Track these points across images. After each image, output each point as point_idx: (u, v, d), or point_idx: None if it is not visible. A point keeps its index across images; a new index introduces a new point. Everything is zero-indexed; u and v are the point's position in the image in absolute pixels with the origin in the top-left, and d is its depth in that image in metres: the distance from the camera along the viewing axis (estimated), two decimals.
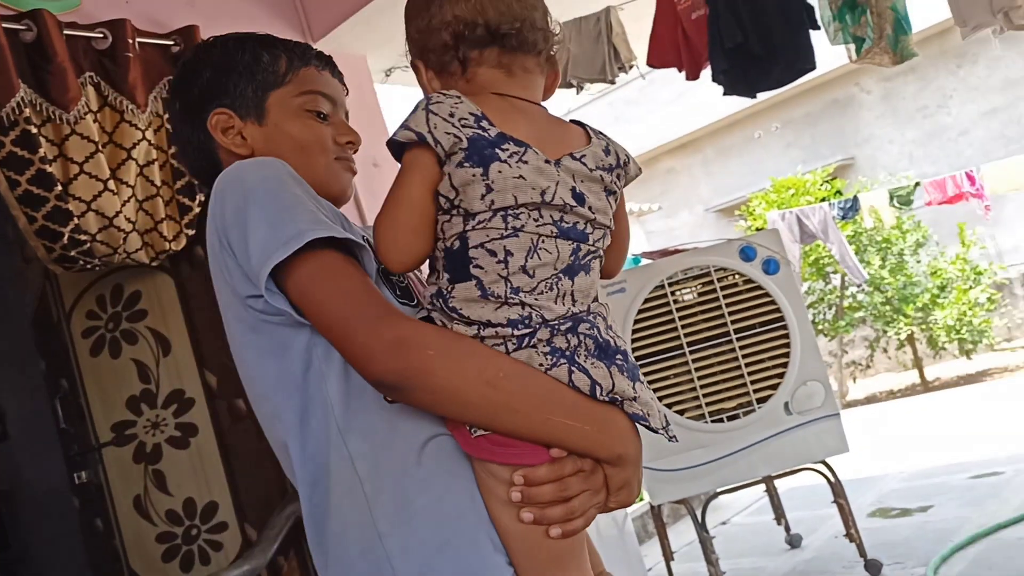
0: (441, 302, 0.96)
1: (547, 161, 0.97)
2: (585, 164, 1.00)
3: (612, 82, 4.20)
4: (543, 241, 0.95)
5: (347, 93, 1.27)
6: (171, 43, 2.76)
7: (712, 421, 3.57)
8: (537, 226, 0.95)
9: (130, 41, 2.57)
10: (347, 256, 0.98)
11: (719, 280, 3.69)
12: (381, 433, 0.98)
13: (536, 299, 0.94)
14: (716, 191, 12.63)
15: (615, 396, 0.95)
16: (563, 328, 0.94)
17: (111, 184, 2.46)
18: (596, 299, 1.02)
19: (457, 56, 1.02)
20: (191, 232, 2.72)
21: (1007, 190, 8.02)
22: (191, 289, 2.94)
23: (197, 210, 2.71)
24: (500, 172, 0.94)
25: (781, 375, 3.66)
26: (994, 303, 9.08)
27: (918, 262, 9.30)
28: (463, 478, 0.98)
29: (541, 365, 0.93)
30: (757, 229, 8.80)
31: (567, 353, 0.94)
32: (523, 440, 0.94)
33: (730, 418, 3.55)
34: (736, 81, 3.63)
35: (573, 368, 0.93)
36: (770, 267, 3.71)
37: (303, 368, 0.99)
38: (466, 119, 0.95)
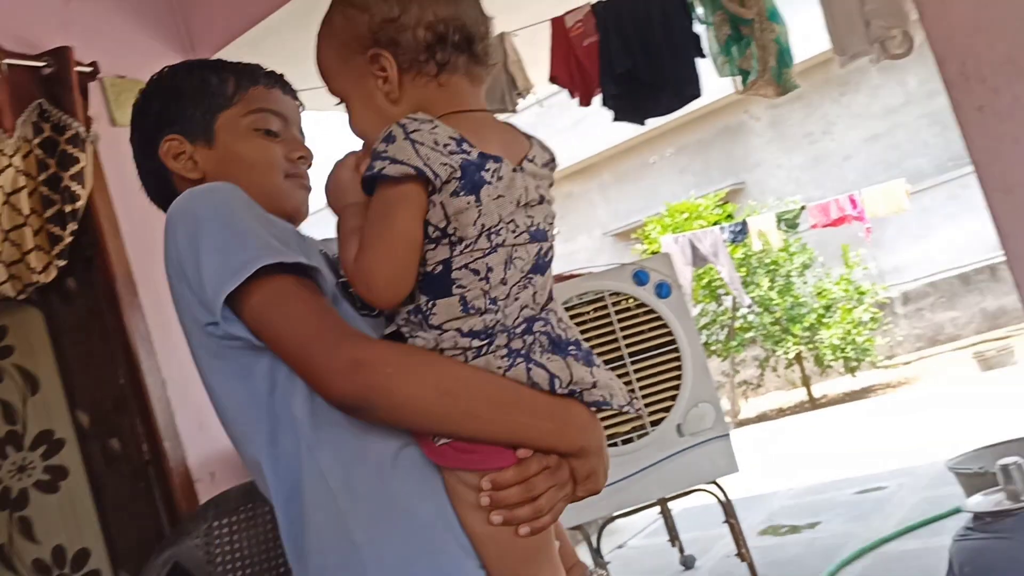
0: (420, 318, 0.97)
1: (514, 169, 0.98)
2: (536, 164, 1.02)
3: (513, 111, 4.21)
4: (517, 250, 0.97)
5: (302, 108, 1.28)
6: (43, 64, 2.65)
7: (608, 445, 3.56)
8: (515, 237, 0.97)
9: None
10: (301, 278, 1.00)
11: (613, 304, 3.71)
12: (351, 447, 0.99)
13: (507, 306, 0.97)
14: (613, 215, 12.87)
15: (574, 387, 0.97)
16: (519, 331, 0.97)
17: None
18: (551, 295, 1.04)
19: (435, 58, 1.00)
20: (62, 263, 2.60)
21: (887, 213, 8.42)
22: (62, 324, 2.82)
23: (68, 239, 2.58)
24: (488, 195, 0.94)
25: (674, 397, 3.69)
26: (876, 322, 9.49)
27: (805, 283, 9.65)
28: (433, 487, 1.00)
29: (499, 368, 0.95)
30: (653, 253, 8.97)
31: (523, 352, 0.96)
32: (487, 444, 0.96)
33: (624, 442, 3.55)
34: (626, 107, 3.69)
35: (531, 365, 0.96)
36: (662, 291, 3.74)
37: (268, 389, 1.01)
38: (449, 144, 0.93)
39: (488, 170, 0.94)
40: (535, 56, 4.02)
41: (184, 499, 2.68)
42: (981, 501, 2.66)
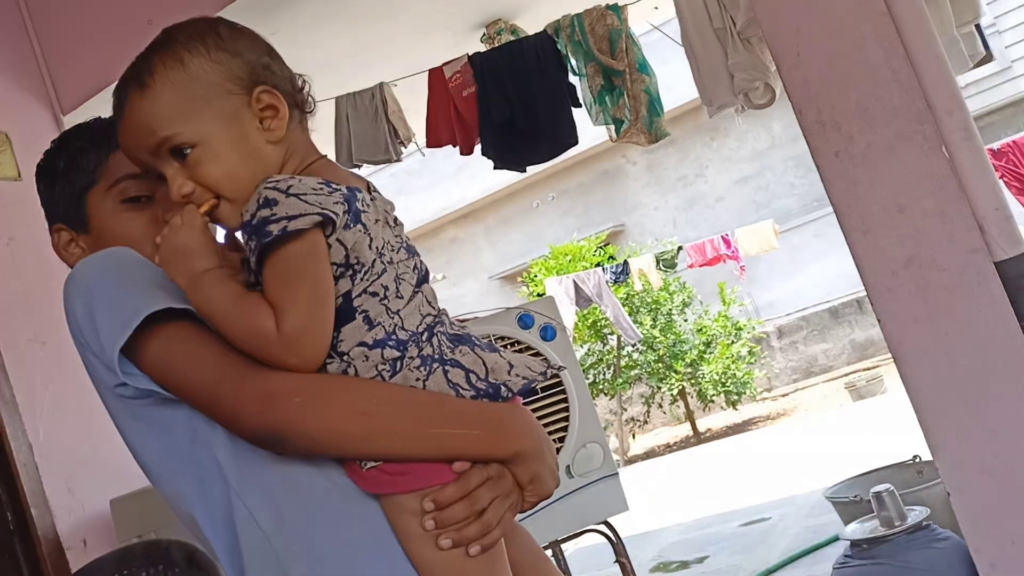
0: (331, 350, 0.93)
1: (371, 196, 0.99)
2: (379, 193, 1.04)
3: (397, 159, 4.22)
4: (400, 266, 0.98)
5: None
6: None
7: None
8: (396, 254, 0.98)
9: None
10: (194, 323, 0.96)
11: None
12: (278, 487, 0.96)
13: (409, 315, 0.96)
14: (499, 259, 12.98)
15: (494, 380, 0.96)
16: (425, 337, 0.96)
17: None
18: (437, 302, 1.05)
19: (300, 103, 1.02)
20: None
21: (759, 251, 8.79)
22: None
23: None
24: (368, 220, 0.95)
25: (562, 439, 3.72)
26: (754, 356, 9.84)
27: (685, 321, 9.94)
28: (369, 519, 0.96)
29: (417, 379, 0.94)
30: (539, 295, 9.08)
31: (436, 356, 0.95)
32: (418, 462, 0.93)
33: None
34: (506, 156, 3.76)
35: (446, 367, 0.95)
36: (547, 334, 3.77)
37: (189, 440, 0.98)
38: (322, 188, 0.92)
39: (359, 199, 0.95)
40: (415, 106, 4.06)
41: (53, 570, 2.53)
42: (857, 529, 2.78)
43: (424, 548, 0.94)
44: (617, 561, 3.87)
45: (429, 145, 3.99)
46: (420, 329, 0.97)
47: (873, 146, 1.76)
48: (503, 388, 0.97)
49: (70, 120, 3.13)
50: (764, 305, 11.04)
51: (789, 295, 10.98)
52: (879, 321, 1.79)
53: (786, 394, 10.48)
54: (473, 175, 11.68)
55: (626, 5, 3.60)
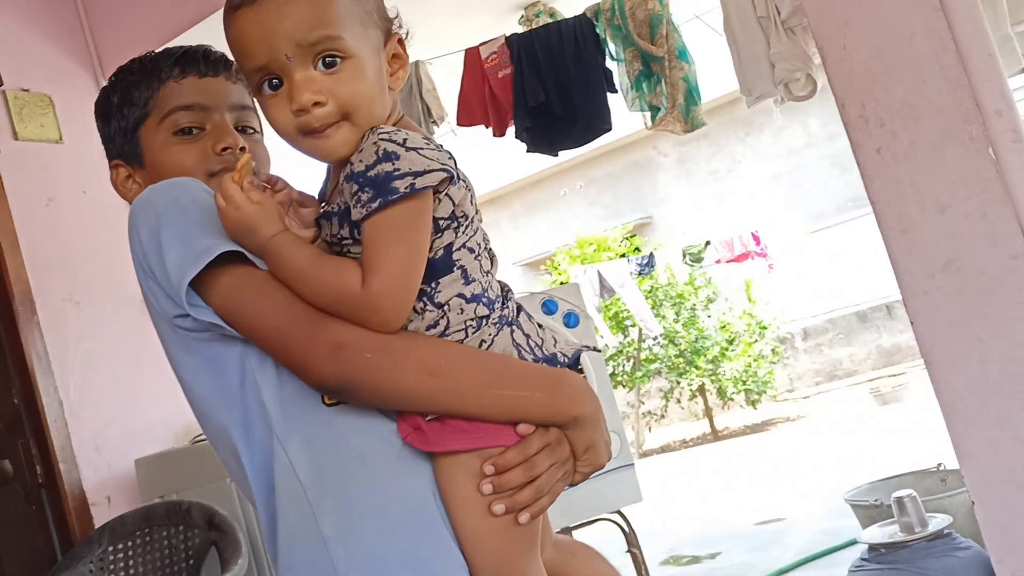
0: (425, 300, 0.94)
1: None
2: None
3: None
4: (481, 228, 1.00)
5: (232, 76, 1.18)
6: None
7: None
8: (479, 217, 0.99)
9: None
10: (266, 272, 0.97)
11: None
12: (321, 439, 0.97)
13: (492, 278, 1.00)
14: (523, 245, 12.96)
15: (549, 351, 0.98)
16: (503, 299, 0.99)
17: None
18: None
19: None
20: None
21: (788, 250, 8.71)
22: None
23: None
24: (463, 179, 0.96)
25: None
26: (777, 355, 9.77)
27: (709, 316, 9.87)
28: (410, 480, 0.96)
29: (490, 335, 0.95)
30: (562, 283, 9.06)
31: (508, 319, 0.98)
32: (481, 421, 0.94)
33: None
34: (538, 139, 3.75)
35: (513, 328, 0.98)
36: (570, 320, 3.77)
37: (239, 380, 0.98)
38: (428, 143, 0.92)
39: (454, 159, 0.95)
40: (448, 86, 4.05)
41: (79, 523, 2.59)
42: (876, 533, 2.75)
43: (470, 511, 0.94)
44: (628, 552, 3.87)
45: (460, 123, 3.97)
46: (500, 291, 1.00)
47: (917, 144, 1.73)
48: (559, 356, 0.99)
49: None
50: (790, 305, 10.94)
51: (816, 296, 10.87)
52: (912, 324, 1.77)
53: (808, 396, 10.39)
54: (501, 160, 11.65)
55: None
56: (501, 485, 0.93)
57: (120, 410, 2.82)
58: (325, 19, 0.90)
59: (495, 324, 0.96)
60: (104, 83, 3.26)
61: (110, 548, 2.36)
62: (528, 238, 12.92)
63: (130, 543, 2.37)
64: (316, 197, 1.05)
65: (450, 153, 0.94)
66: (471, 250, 0.97)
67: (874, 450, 6.03)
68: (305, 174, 1.16)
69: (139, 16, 3.14)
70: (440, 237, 0.94)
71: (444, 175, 0.90)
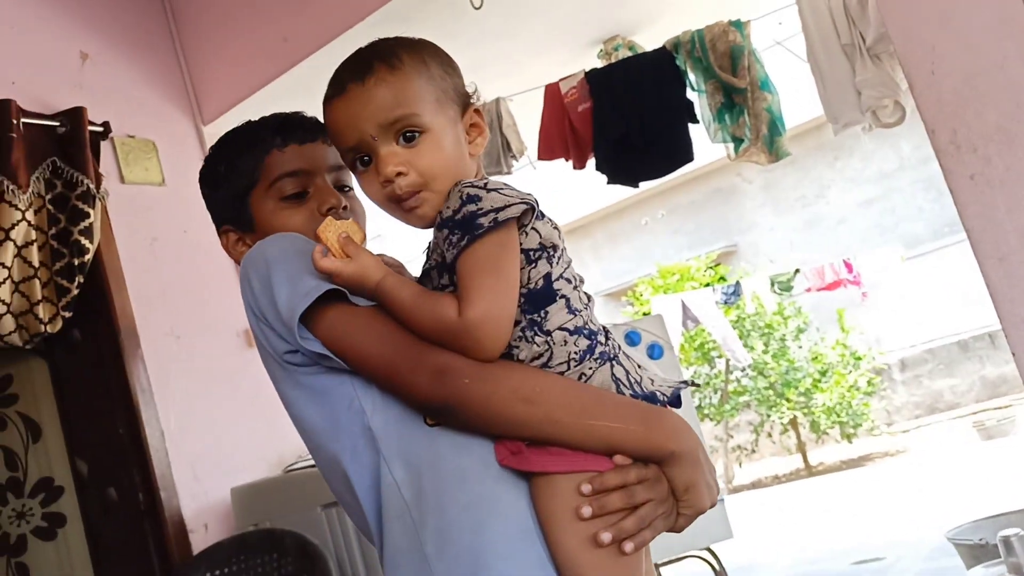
0: (535, 329, 0.98)
1: None
2: None
3: (508, 173, 4.28)
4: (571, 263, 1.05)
5: (330, 142, 1.22)
6: (57, 124, 2.76)
7: None
8: (565, 250, 1.04)
9: (14, 121, 2.56)
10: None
11: None
12: (423, 458, 1.01)
13: (592, 311, 1.04)
14: (605, 275, 12.91)
15: (647, 389, 1.00)
16: (604, 335, 1.02)
17: None
18: None
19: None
20: (68, 314, 2.68)
21: (882, 277, 8.44)
22: (66, 373, 2.87)
23: (76, 292, 2.64)
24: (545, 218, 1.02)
25: None
26: (873, 387, 9.43)
27: (800, 347, 9.62)
28: (506, 503, 0.99)
29: (589, 369, 0.98)
30: (644, 314, 8.98)
31: (609, 354, 1.00)
32: (578, 450, 0.96)
33: None
34: (619, 171, 3.75)
35: (614, 364, 1.00)
36: (654, 352, 3.74)
37: (346, 408, 1.04)
38: (509, 186, 1.00)
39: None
40: (527, 120, 4.10)
41: (178, 549, 2.67)
42: (982, 573, 2.63)
43: (571, 536, 0.95)
44: None
45: (541, 158, 4.02)
46: (599, 326, 1.03)
47: (1013, 169, 1.68)
48: (658, 395, 1.01)
49: (210, 130, 3.32)
50: (886, 335, 10.57)
51: (914, 326, 10.49)
52: (1013, 354, 1.70)
53: (907, 431, 9.99)
54: (582, 190, 11.66)
55: (749, 21, 3.54)
56: (600, 508, 0.94)
57: (217, 440, 2.92)
58: (402, 100, 1.01)
59: (596, 360, 0.99)
60: (204, 127, 3.42)
61: (208, 574, 2.44)
62: (610, 268, 12.87)
63: (227, 569, 2.44)
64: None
65: (532, 195, 0.99)
66: (568, 280, 1.01)
67: (978, 486, 5.78)
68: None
69: (235, 65, 3.29)
70: (535, 267, 0.99)
71: (525, 207, 0.97)
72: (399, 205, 1.03)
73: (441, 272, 1.01)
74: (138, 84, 3.21)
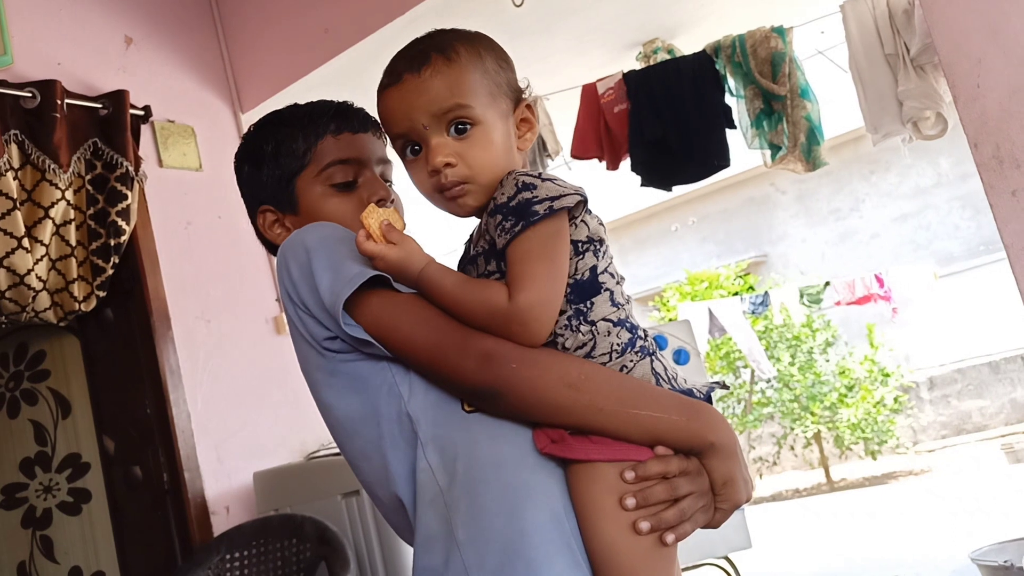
0: (580, 318, 1.00)
1: None
2: None
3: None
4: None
5: (379, 135, 1.27)
6: (99, 106, 2.80)
7: None
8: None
9: (58, 102, 2.61)
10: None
11: None
12: (460, 445, 1.01)
13: (632, 308, 1.05)
14: (633, 280, 12.84)
15: (683, 385, 1.01)
16: (643, 331, 1.04)
17: (25, 242, 2.46)
18: None
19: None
20: (102, 294, 2.73)
21: (914, 294, 8.32)
22: (97, 352, 2.92)
23: (111, 272, 2.69)
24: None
25: None
26: (900, 404, 9.30)
27: (827, 361, 9.51)
28: (543, 492, 0.99)
29: (631, 361, 0.99)
30: (670, 320, 8.93)
31: (649, 349, 1.02)
32: (619, 439, 0.97)
33: None
34: (654, 174, 3.74)
35: (653, 360, 1.01)
36: (680, 357, 3.73)
37: (385, 393, 1.04)
38: (560, 178, 1.02)
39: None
40: (563, 120, 4.10)
41: (199, 530, 2.70)
42: None
43: (611, 524, 0.95)
44: None
45: (574, 156, 4.01)
46: (638, 324, 1.04)
47: None
48: (695, 391, 1.02)
49: (248, 118, 3.35)
50: (915, 353, 10.43)
51: (944, 345, 10.33)
52: None
53: (933, 450, 9.86)
54: (612, 194, 11.61)
55: (791, 28, 3.52)
56: (644, 499, 0.95)
57: (242, 424, 2.95)
58: (456, 92, 1.02)
59: (637, 353, 1.00)
60: (242, 115, 3.45)
61: (227, 556, 2.46)
62: (637, 273, 12.80)
63: (246, 552, 2.46)
64: None
65: (583, 187, 1.01)
66: (612, 275, 1.04)
67: (1004, 508, 5.69)
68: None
69: (275, 55, 3.32)
70: (583, 259, 1.01)
71: (579, 198, 0.99)
72: (442, 194, 1.04)
73: (488, 259, 1.02)
74: (180, 70, 3.25)
